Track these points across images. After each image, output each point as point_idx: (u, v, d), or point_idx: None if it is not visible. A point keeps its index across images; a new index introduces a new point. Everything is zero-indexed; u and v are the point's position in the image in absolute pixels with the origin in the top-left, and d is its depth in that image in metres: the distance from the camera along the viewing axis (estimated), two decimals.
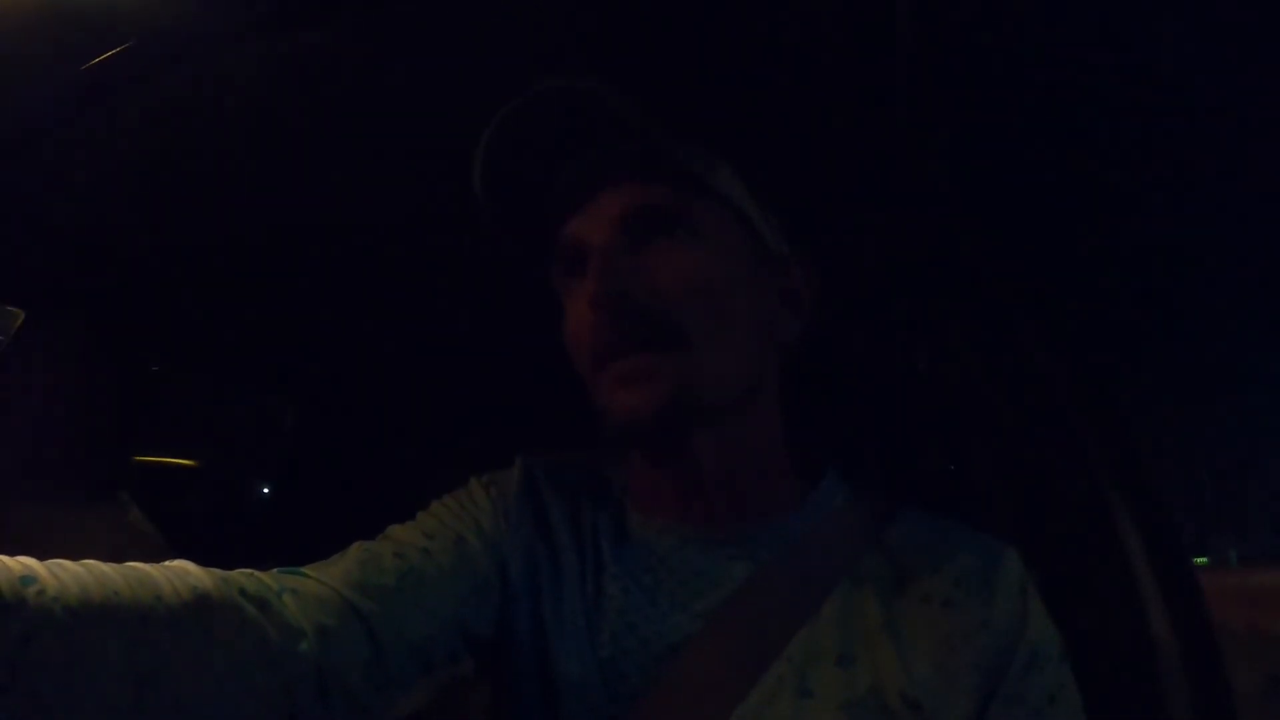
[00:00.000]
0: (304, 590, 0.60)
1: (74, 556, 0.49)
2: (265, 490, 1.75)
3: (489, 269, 1.22)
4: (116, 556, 0.51)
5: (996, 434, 1.04)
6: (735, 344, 0.69)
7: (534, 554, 0.73)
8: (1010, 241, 1.04)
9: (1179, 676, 0.92)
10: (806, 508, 0.74)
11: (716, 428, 0.69)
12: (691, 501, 0.72)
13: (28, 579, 0.44)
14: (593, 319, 0.67)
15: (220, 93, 0.85)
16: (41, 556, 0.47)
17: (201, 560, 0.56)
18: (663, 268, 0.68)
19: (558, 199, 0.72)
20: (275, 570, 0.61)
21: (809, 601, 0.67)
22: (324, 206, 1.07)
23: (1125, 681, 0.94)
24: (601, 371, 0.68)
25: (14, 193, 0.97)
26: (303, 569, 0.63)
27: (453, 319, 1.36)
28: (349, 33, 0.81)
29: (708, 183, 0.71)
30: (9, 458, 1.17)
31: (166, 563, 0.53)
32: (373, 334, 1.41)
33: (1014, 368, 1.01)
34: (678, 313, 0.67)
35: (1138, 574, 0.95)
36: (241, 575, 0.57)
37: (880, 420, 1.21)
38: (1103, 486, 0.98)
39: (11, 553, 0.46)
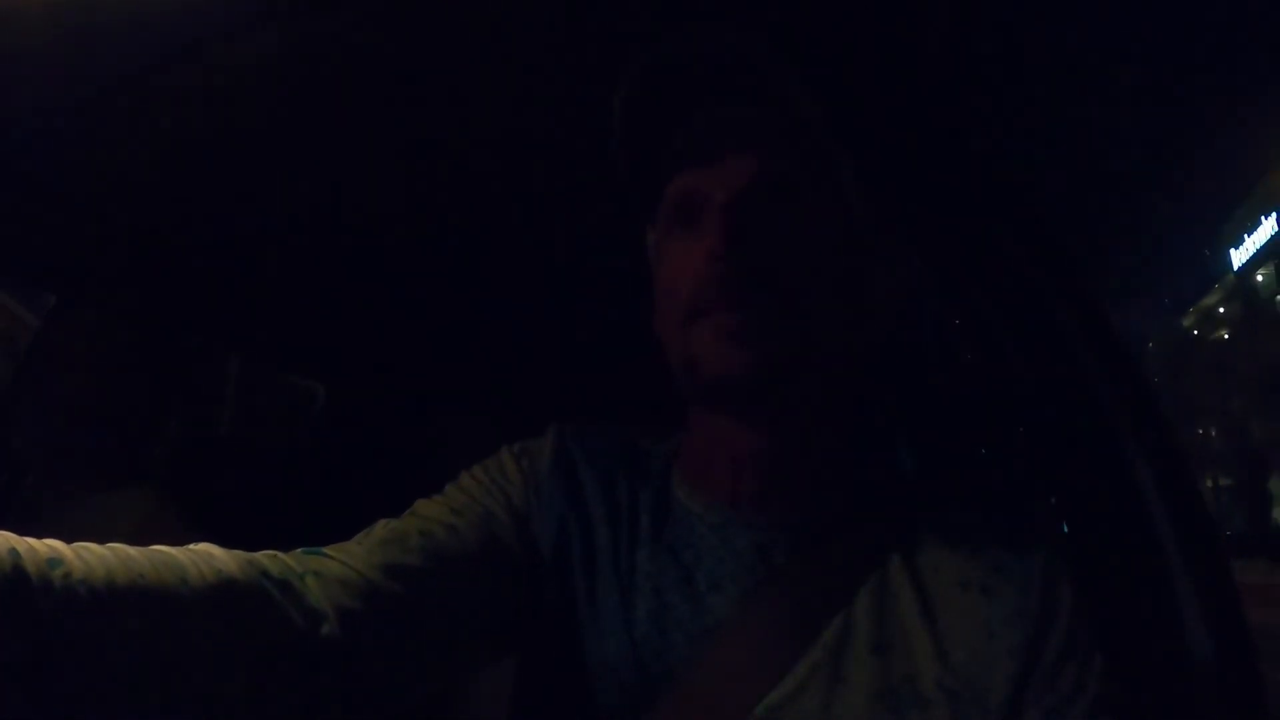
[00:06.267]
0: (327, 572, 0.60)
1: (97, 539, 0.49)
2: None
3: (515, 246, 1.22)
4: (138, 539, 0.51)
5: (1031, 421, 1.02)
6: (833, 328, 0.68)
7: (566, 529, 0.72)
8: (1047, 224, 1.01)
9: (1210, 668, 0.91)
10: (844, 492, 0.72)
11: (796, 405, 0.68)
12: (742, 479, 0.70)
13: (54, 561, 0.44)
14: (704, 269, 0.66)
15: (242, 78, 0.84)
16: (66, 539, 0.47)
17: (224, 541, 0.56)
18: (786, 239, 0.67)
19: (679, 149, 0.71)
20: (299, 551, 0.61)
21: (845, 587, 0.66)
22: (346, 187, 1.07)
23: (1155, 671, 0.92)
24: (699, 321, 0.66)
25: (43, 178, 0.98)
26: (326, 549, 0.63)
27: (482, 298, 1.35)
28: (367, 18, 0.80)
29: (836, 168, 0.70)
30: (38, 440, 1.20)
31: (191, 545, 0.53)
32: (398, 311, 1.41)
33: (1051, 355, 0.99)
34: (791, 284, 0.66)
35: (1171, 566, 0.93)
36: (265, 557, 0.57)
37: (914, 404, 1.19)
38: (1137, 476, 0.96)
39: (38, 535, 0.46)
